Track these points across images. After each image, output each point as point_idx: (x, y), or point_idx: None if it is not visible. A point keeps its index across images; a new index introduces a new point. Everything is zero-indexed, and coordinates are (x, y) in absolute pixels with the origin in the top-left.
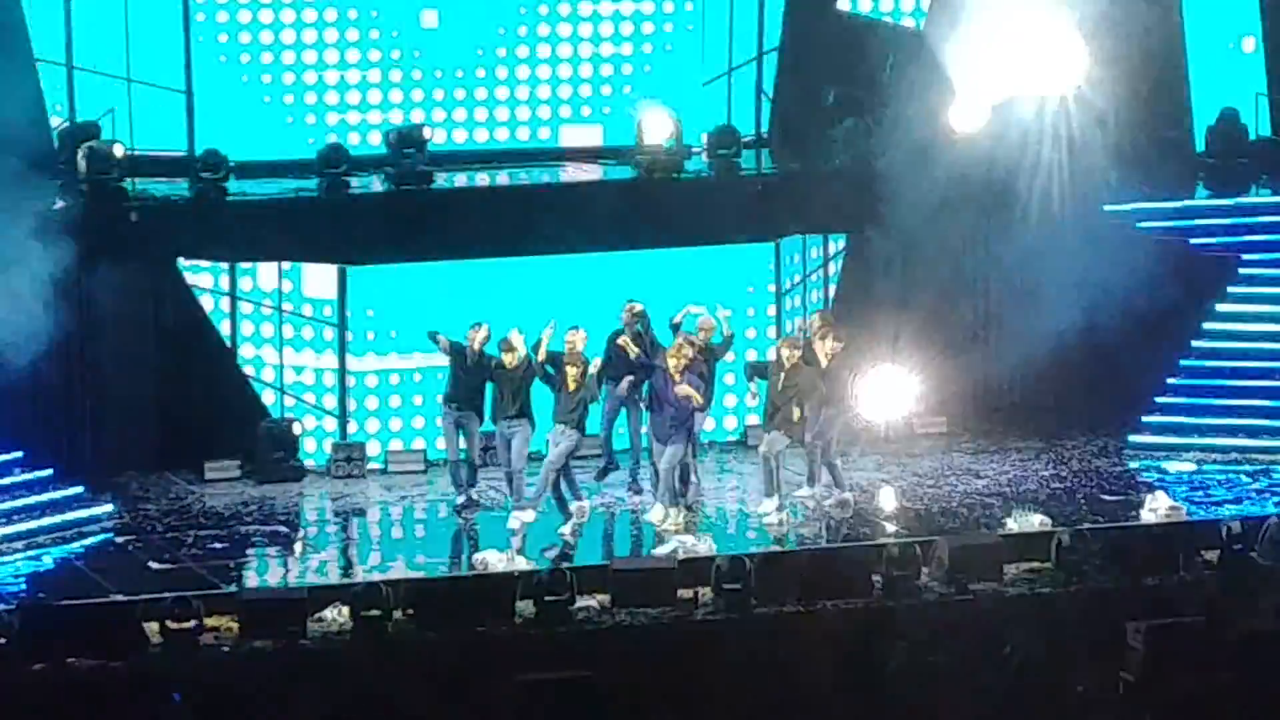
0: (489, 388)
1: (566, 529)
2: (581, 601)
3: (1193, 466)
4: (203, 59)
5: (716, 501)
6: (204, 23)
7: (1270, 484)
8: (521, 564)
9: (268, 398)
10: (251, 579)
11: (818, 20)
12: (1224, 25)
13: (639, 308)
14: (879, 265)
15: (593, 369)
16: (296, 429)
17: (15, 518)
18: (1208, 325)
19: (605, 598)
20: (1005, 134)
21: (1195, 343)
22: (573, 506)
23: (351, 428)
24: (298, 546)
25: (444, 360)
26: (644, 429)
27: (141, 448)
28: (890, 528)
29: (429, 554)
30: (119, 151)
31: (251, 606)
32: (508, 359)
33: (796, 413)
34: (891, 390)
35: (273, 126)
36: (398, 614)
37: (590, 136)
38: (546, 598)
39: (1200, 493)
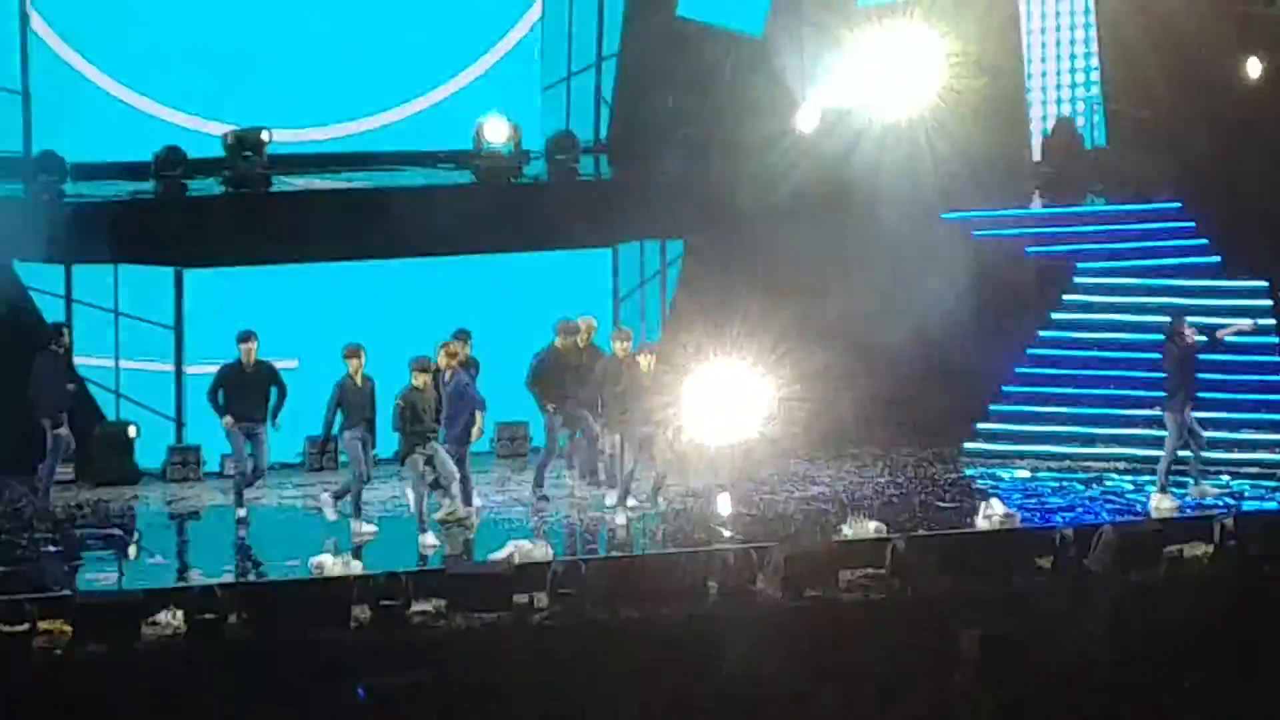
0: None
1: None
2: (418, 606)
3: (1028, 474)
4: (39, 59)
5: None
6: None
7: (1103, 491)
8: (357, 568)
9: (104, 400)
10: (85, 582)
11: (656, 26)
12: (1061, 33)
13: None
14: (716, 271)
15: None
16: (132, 432)
17: None
18: (1043, 333)
19: (441, 602)
20: (843, 141)
21: (1030, 350)
22: None
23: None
24: (132, 550)
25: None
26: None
27: None
28: (726, 533)
29: (265, 557)
30: None
31: (85, 610)
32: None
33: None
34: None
35: (111, 128)
36: (233, 618)
37: (430, 140)
38: (383, 602)
39: (1035, 500)
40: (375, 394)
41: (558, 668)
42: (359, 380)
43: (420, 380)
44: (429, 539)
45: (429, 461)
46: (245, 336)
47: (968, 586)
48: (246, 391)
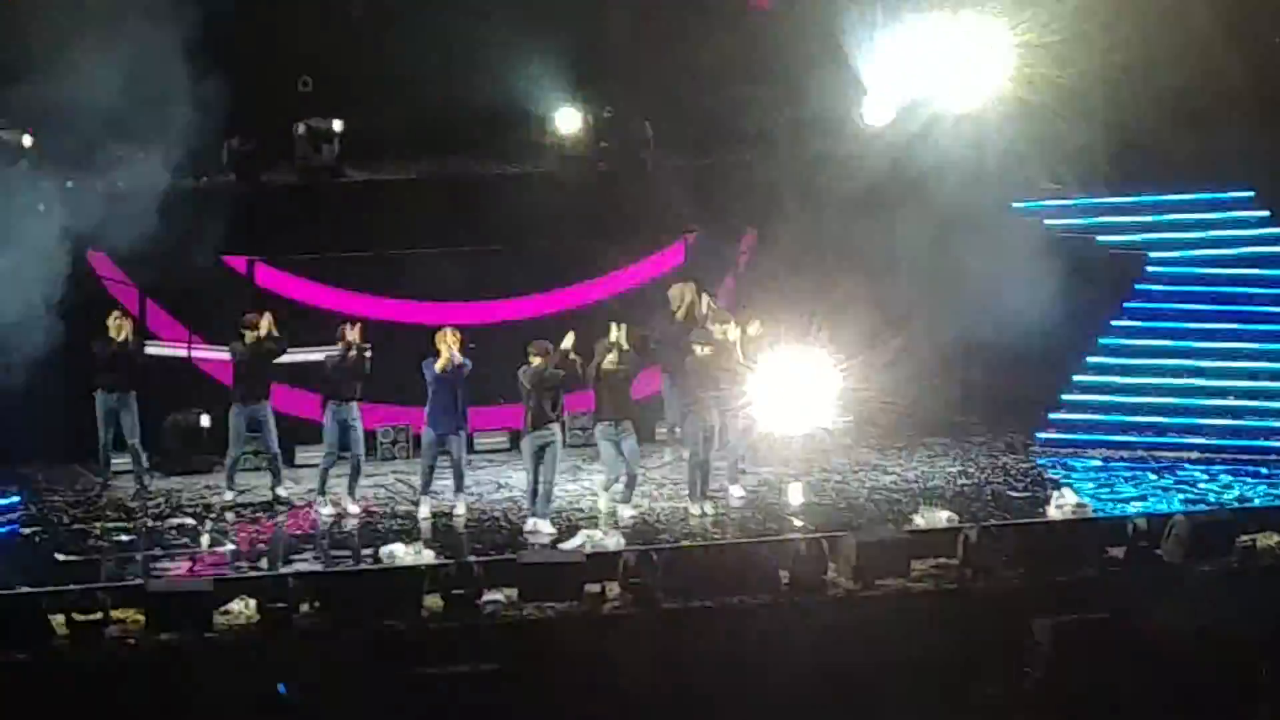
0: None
1: None
2: (489, 595)
3: (1099, 464)
4: None
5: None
6: None
7: (1175, 481)
8: (429, 557)
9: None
10: (157, 571)
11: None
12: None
13: None
14: (787, 262)
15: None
16: (204, 421)
17: None
18: (1115, 323)
19: (513, 591)
20: (915, 131)
21: (1102, 340)
22: None
23: None
24: (204, 539)
25: None
26: None
27: (47, 439)
28: (797, 523)
29: (337, 547)
30: None
31: (158, 599)
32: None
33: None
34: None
35: None
36: (304, 607)
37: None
38: (454, 591)
39: (1107, 490)
40: (366, 369)
41: (629, 657)
42: (349, 354)
43: (537, 363)
44: (543, 526)
45: (543, 449)
46: (253, 321)
47: (1040, 576)
48: (252, 373)
